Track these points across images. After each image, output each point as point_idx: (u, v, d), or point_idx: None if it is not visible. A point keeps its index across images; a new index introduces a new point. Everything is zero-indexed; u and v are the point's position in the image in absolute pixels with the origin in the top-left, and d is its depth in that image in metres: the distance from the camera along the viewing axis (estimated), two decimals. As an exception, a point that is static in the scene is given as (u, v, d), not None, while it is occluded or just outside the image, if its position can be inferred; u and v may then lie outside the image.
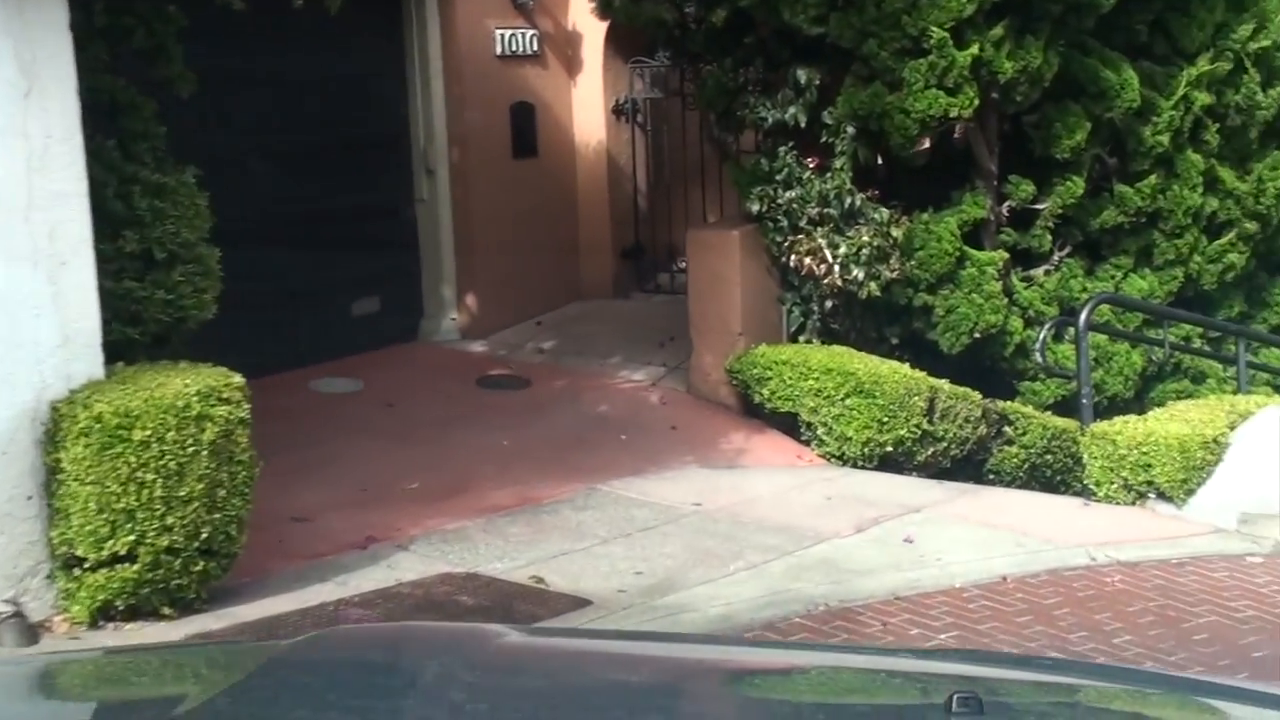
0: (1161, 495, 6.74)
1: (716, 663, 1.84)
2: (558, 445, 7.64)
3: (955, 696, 1.38)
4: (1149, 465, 6.73)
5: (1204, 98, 8.27)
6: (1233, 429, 6.86)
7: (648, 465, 7.38)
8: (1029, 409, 8.38)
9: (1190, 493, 6.68)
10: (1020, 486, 8.35)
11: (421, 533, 6.01)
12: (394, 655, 1.74)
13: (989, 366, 8.54)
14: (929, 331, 8.21)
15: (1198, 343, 9.11)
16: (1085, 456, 7.00)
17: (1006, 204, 8.22)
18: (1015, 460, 8.20)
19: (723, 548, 6.02)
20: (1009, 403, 8.31)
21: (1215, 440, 6.67)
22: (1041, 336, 7.54)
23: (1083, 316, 7.12)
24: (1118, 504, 6.88)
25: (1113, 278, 8.71)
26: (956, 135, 8.60)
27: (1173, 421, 6.83)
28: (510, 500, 6.60)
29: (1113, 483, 6.88)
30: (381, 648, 1.80)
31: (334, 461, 7.00)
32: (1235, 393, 8.13)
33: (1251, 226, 8.89)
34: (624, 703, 1.58)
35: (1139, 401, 9.02)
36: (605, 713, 1.53)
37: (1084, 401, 7.21)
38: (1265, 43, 8.43)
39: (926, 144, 8.82)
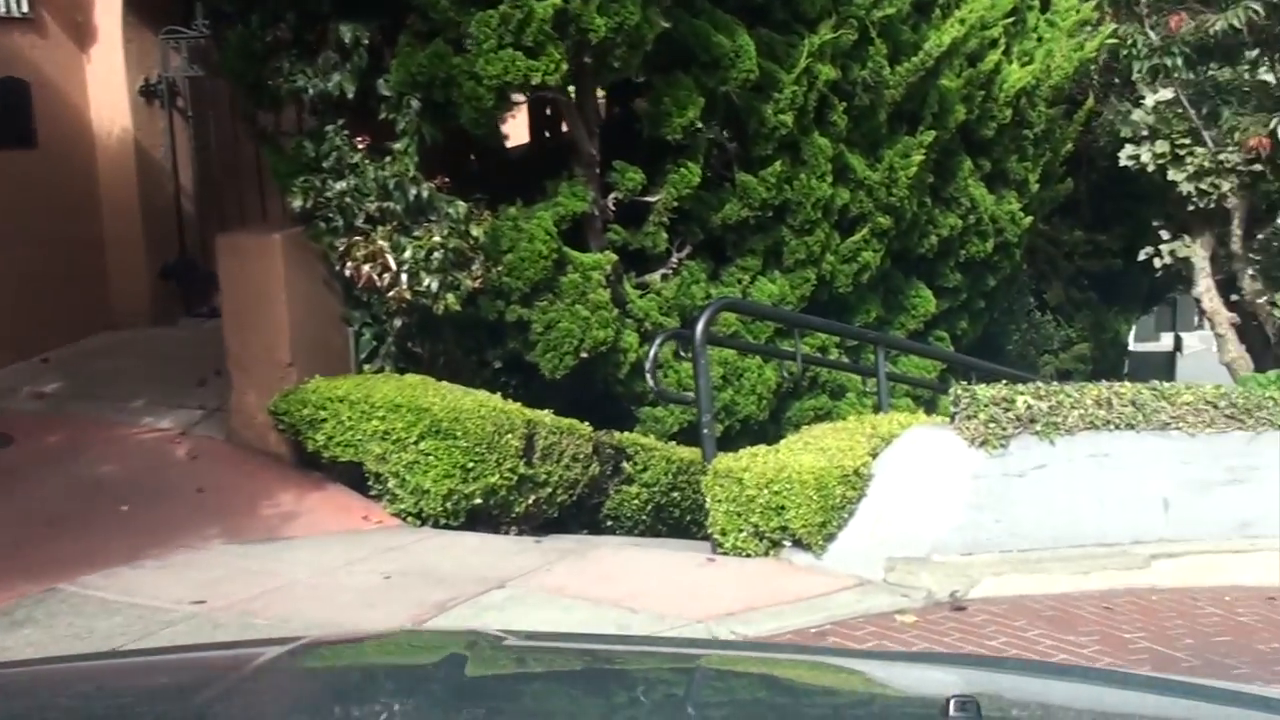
0: (798, 543, 5.50)
1: (712, 666, 1.81)
2: (24, 526, 5.61)
3: (952, 700, 1.34)
4: (782, 507, 5.47)
5: (828, 71, 7.22)
6: (875, 456, 5.72)
7: (149, 547, 5.48)
8: (650, 440, 7.06)
9: (830, 538, 5.47)
10: (644, 532, 7.04)
11: None
12: (389, 660, 1.75)
13: (603, 391, 7.16)
14: (527, 352, 6.72)
15: (835, 353, 8.10)
16: (708, 499, 5.68)
17: (613, 196, 6.85)
18: (637, 502, 6.87)
19: (212, 672, 4.22)
20: (627, 434, 6.96)
21: (856, 472, 5.49)
22: (652, 354, 6.20)
23: (699, 328, 5.80)
24: (748, 556, 5.58)
25: (740, 282, 7.53)
26: (565, 127, 7.21)
27: (807, 452, 5.60)
28: (-92, 621, 4.55)
29: (741, 530, 5.58)
30: (376, 653, 1.80)
31: None
32: (876, 409, 7.08)
33: (885, 221, 7.95)
34: (619, 706, 1.56)
35: (775, 423, 7.90)
36: (601, 716, 1.51)
37: (705, 431, 5.89)
38: (890, 10, 7.49)
39: (524, 124, 7.40)
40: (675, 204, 6.92)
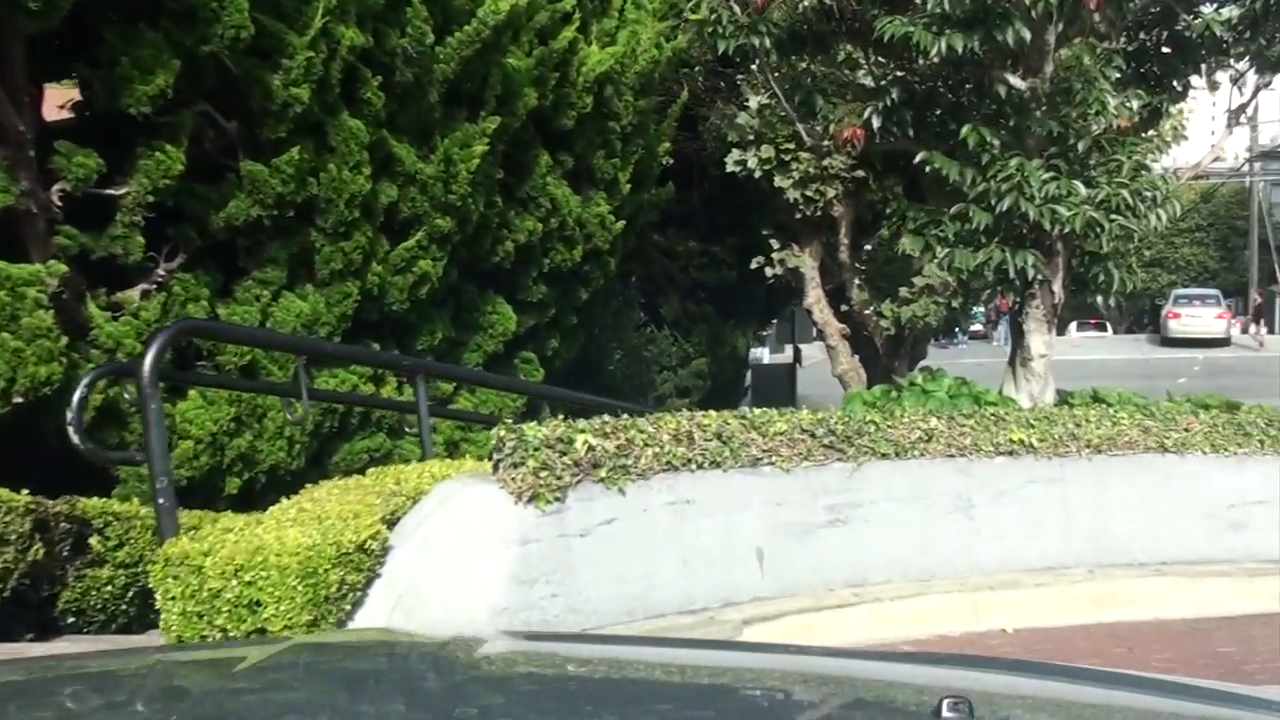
0: (284, 650, 4.03)
1: (707, 665, 1.82)
2: None
3: (945, 700, 1.34)
4: (257, 603, 3.98)
5: (354, 36, 5.81)
6: (395, 523, 4.36)
7: None
8: (132, 506, 5.38)
9: (326, 641, 4.03)
10: (124, 627, 5.35)
11: None
12: (382, 660, 1.75)
13: (61, 444, 5.43)
14: (-69, 399, 4.92)
15: (390, 384, 6.69)
16: (158, 595, 4.11)
17: (58, 187, 5.15)
18: (111, 589, 5.18)
19: None
20: (97, 500, 5.26)
21: (362, 547, 4.09)
22: (76, 398, 4.56)
23: (147, 361, 4.21)
24: (217, 672, 4.06)
25: (258, 299, 6.00)
26: None
27: (298, 524, 4.14)
28: None
29: (204, 637, 4.05)
30: (369, 652, 1.81)
31: None
32: (422, 456, 5.71)
33: (445, 223, 6.63)
34: (615, 706, 1.54)
35: (318, 469, 6.42)
36: (596, 716, 1.47)
37: (160, 501, 4.31)
38: (430, -35, 6.19)
39: None
40: (153, 199, 5.31)
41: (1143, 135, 7.57)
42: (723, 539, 5.04)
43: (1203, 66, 7.73)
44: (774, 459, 5.21)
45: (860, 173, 12.83)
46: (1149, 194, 7.14)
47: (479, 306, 7.37)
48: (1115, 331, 38.27)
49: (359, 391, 6.46)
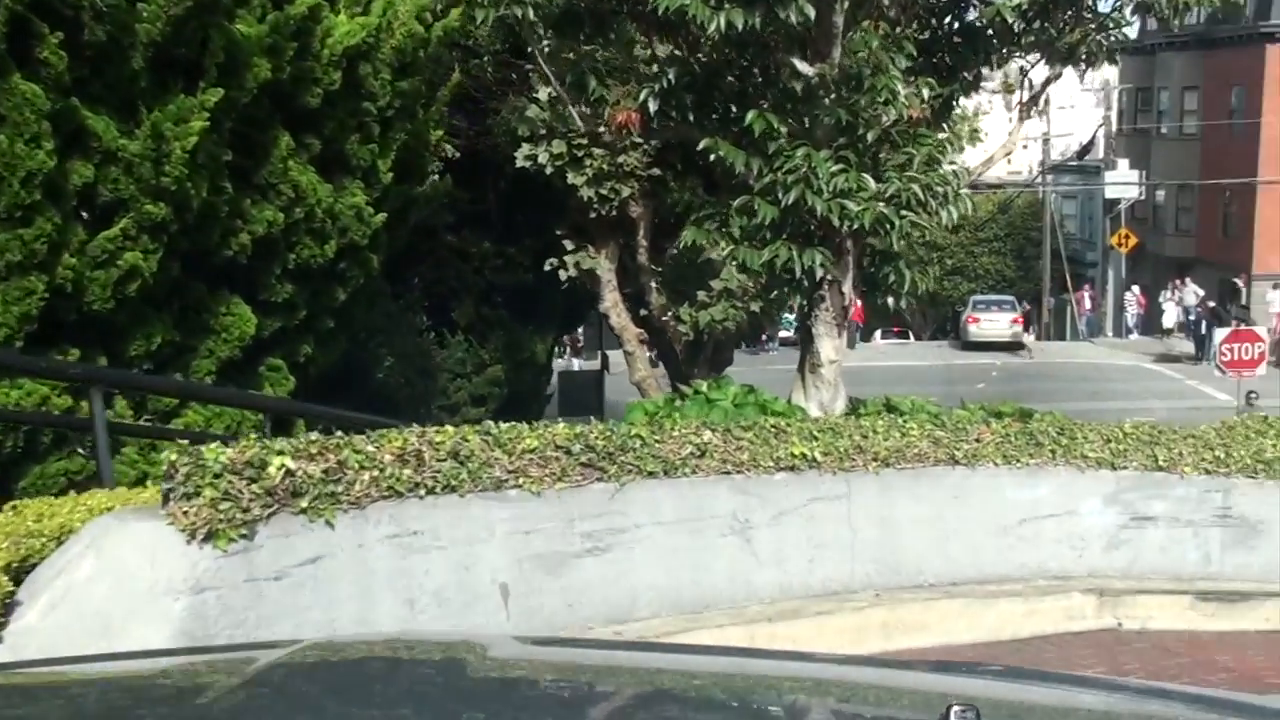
0: None
1: (713, 672, 1.83)
2: None
3: (953, 708, 1.34)
4: None
5: (19, -19, 4.88)
6: (29, 571, 3.49)
7: None
8: None
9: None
10: None
11: None
12: (390, 664, 1.76)
13: None
14: None
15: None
16: None
17: None
18: None
19: None
20: None
21: (-28, 607, 3.23)
22: None
23: None
24: None
25: (-89, 296, 4.99)
26: None
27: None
28: None
29: None
30: (377, 656, 1.82)
31: None
32: (100, 483, 4.80)
33: (158, 210, 5.73)
34: (619, 709, 1.56)
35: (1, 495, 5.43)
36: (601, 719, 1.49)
37: None
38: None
39: None
40: None
41: (935, 130, 7.18)
42: (459, 575, 4.33)
43: (994, 57, 7.40)
44: (522, 480, 4.53)
45: (658, 171, 12.30)
46: (940, 189, 6.73)
47: (210, 307, 6.47)
48: (919, 338, 39.05)
49: (50, 405, 5.50)
